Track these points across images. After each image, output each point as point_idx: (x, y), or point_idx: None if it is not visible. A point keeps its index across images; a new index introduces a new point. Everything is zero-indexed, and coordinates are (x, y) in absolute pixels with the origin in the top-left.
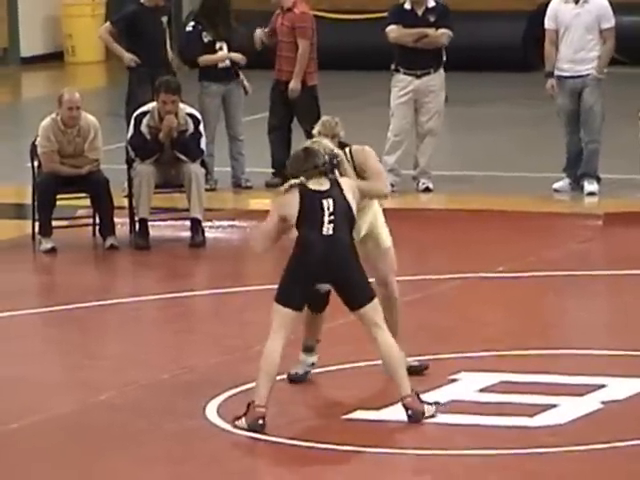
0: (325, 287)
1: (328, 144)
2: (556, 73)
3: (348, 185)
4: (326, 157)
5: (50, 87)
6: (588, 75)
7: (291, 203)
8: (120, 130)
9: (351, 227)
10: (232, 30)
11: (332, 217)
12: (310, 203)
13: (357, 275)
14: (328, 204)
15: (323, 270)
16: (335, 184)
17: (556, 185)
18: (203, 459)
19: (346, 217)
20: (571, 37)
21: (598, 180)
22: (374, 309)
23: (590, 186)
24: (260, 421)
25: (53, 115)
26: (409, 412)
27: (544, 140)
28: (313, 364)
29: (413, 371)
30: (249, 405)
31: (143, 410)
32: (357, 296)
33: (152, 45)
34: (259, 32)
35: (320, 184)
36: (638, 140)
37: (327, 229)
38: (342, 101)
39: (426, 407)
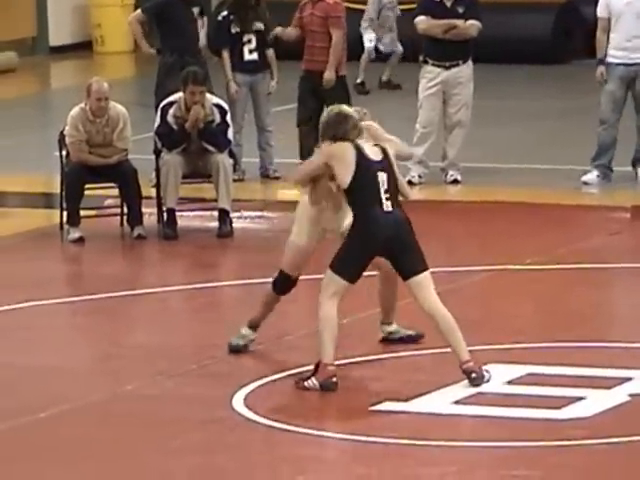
0: None
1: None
2: (607, 60)
3: (393, 153)
4: (356, 115)
5: (79, 77)
6: None
7: (345, 158)
8: (148, 120)
9: (400, 202)
10: (264, 22)
11: (388, 194)
12: (366, 174)
13: (414, 246)
14: (382, 179)
15: (384, 246)
16: (385, 154)
17: (585, 178)
18: (230, 449)
19: (397, 190)
20: (623, 25)
21: None
22: (426, 278)
23: None
24: (333, 379)
25: (82, 105)
26: (472, 375)
27: (573, 133)
28: (252, 340)
29: (410, 340)
30: (317, 365)
31: (171, 400)
32: (411, 265)
33: (182, 35)
34: (278, 30)
35: (374, 152)
36: None
37: (387, 205)
38: (370, 92)
39: (485, 372)
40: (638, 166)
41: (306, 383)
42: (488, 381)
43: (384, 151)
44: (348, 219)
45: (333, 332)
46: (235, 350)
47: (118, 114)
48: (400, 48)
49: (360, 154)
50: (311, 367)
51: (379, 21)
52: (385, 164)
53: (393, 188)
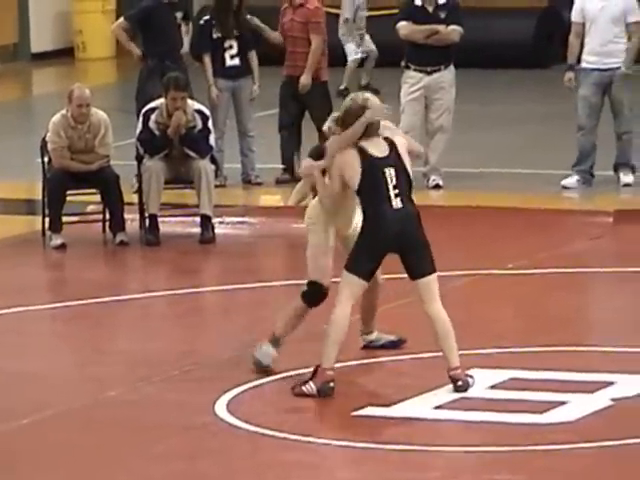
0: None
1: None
2: (582, 65)
3: (404, 146)
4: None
5: (60, 83)
6: (616, 69)
7: (351, 164)
8: (130, 126)
9: (411, 189)
10: (245, 28)
11: (397, 190)
12: (372, 173)
13: (423, 246)
14: (390, 174)
15: (395, 242)
16: (393, 147)
17: (565, 182)
18: (213, 455)
19: (407, 184)
20: (597, 30)
21: (633, 171)
22: (433, 281)
23: (626, 177)
24: (331, 384)
25: (63, 111)
26: (458, 383)
27: (554, 137)
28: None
29: (392, 346)
30: (316, 369)
31: (153, 406)
32: (420, 266)
33: (165, 40)
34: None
35: (379, 148)
36: None
37: (396, 202)
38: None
39: (470, 380)
40: (620, 171)
41: (304, 388)
42: (472, 387)
43: (391, 144)
44: (359, 218)
45: (339, 336)
46: (264, 370)
47: (99, 120)
48: (374, 48)
49: (364, 155)
50: (293, 373)
51: (355, 23)
52: (392, 158)
53: (403, 182)
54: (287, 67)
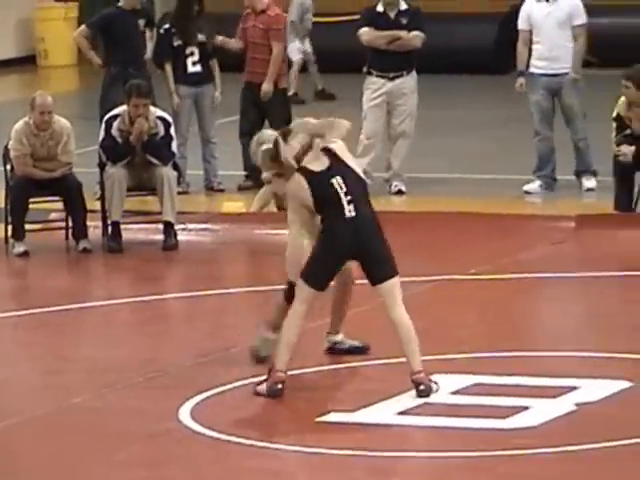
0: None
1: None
2: (531, 70)
3: (342, 148)
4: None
5: (22, 91)
6: (564, 74)
7: (301, 187)
8: (92, 133)
9: (366, 194)
10: (207, 33)
11: (349, 196)
12: (319, 187)
13: (382, 250)
14: (338, 182)
15: (350, 251)
16: (334, 157)
17: (527, 187)
18: (177, 461)
19: (359, 187)
20: (545, 35)
21: (595, 175)
22: (395, 286)
23: (588, 182)
24: (279, 385)
25: (26, 119)
26: (420, 387)
27: (517, 142)
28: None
29: (356, 351)
30: (270, 371)
31: (117, 413)
32: (380, 271)
33: (127, 47)
34: (219, 40)
35: (320, 163)
36: (610, 141)
37: (349, 210)
38: (313, 103)
39: (433, 385)
40: (582, 177)
41: (258, 388)
42: (436, 392)
43: (329, 152)
44: None
45: (291, 340)
46: (261, 360)
47: (62, 128)
48: (311, 52)
49: (307, 174)
50: (256, 379)
51: (302, 24)
52: (335, 167)
53: (354, 186)
54: (247, 73)
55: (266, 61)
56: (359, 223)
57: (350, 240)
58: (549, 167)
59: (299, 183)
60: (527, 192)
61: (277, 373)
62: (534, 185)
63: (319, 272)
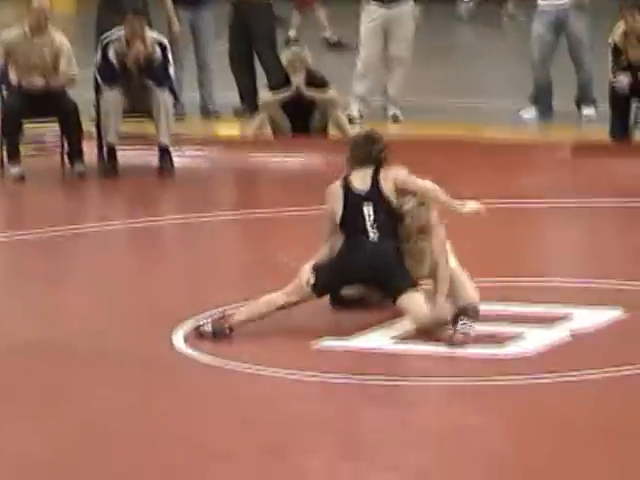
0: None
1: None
2: (539, 2)
3: (391, 180)
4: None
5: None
6: (572, 5)
7: (333, 197)
8: (89, 57)
9: (395, 226)
10: None
11: (375, 223)
12: (352, 207)
13: (396, 274)
14: (369, 211)
15: (364, 274)
16: (376, 183)
17: (524, 114)
18: (171, 387)
19: (388, 219)
20: None
21: (594, 104)
22: (407, 298)
23: (588, 110)
24: (226, 325)
25: (20, 30)
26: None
27: (516, 70)
28: None
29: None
30: (222, 314)
31: (110, 337)
32: (392, 289)
33: None
34: None
35: (363, 181)
36: (606, 70)
37: (373, 235)
38: (312, 30)
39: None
40: (581, 105)
41: (202, 329)
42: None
43: (374, 179)
44: None
45: (258, 310)
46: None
47: (62, 42)
48: None
49: (347, 188)
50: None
51: None
52: (371, 194)
53: (383, 218)
54: None
55: None
56: (380, 250)
57: (368, 262)
58: (545, 97)
59: (334, 192)
60: (523, 119)
61: (229, 317)
62: (530, 113)
63: (326, 279)
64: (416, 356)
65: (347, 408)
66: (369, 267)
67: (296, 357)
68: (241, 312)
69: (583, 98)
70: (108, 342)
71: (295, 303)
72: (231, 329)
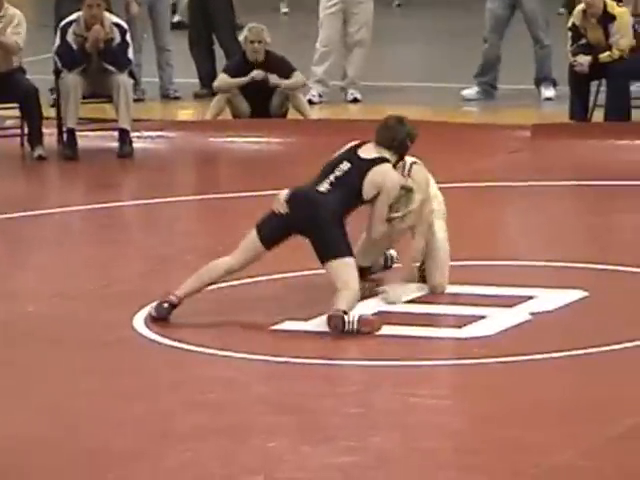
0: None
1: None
2: None
3: (379, 184)
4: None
5: None
6: None
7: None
8: (47, 40)
9: (350, 201)
10: None
11: (336, 181)
12: (338, 158)
13: (327, 234)
14: (343, 168)
15: (300, 224)
16: (376, 160)
17: (465, 92)
18: (132, 370)
19: (351, 190)
20: None
21: (554, 84)
22: (333, 268)
23: (547, 91)
24: (165, 305)
25: None
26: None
27: (476, 50)
28: None
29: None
30: (167, 294)
31: (71, 321)
32: (321, 253)
33: None
34: None
35: (370, 152)
36: (565, 51)
37: (324, 188)
38: (271, 12)
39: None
40: (541, 85)
41: (150, 308)
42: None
43: (378, 159)
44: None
45: (203, 277)
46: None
47: (15, 13)
48: None
49: (354, 145)
50: (214, 287)
51: None
52: (362, 163)
53: (347, 185)
54: None
55: None
56: (319, 199)
57: (304, 212)
58: (491, 74)
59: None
60: (465, 98)
61: (170, 296)
62: (472, 91)
63: (270, 223)
64: (376, 338)
65: (307, 391)
66: (304, 216)
67: (257, 339)
68: (185, 283)
69: (542, 78)
70: (69, 325)
71: (244, 264)
72: (171, 305)
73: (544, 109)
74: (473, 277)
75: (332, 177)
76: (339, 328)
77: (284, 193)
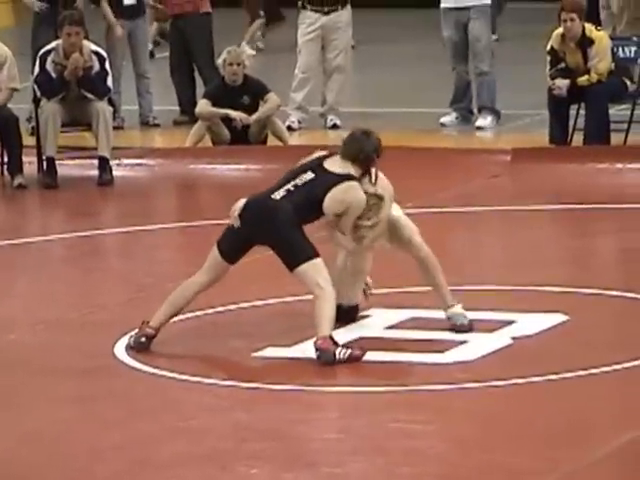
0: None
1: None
2: (442, 5)
3: (348, 192)
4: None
5: None
6: (473, 7)
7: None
8: (26, 69)
9: (304, 211)
10: None
11: (294, 189)
12: (299, 169)
13: (288, 240)
14: (304, 177)
15: (258, 233)
16: (342, 177)
17: (443, 119)
18: (113, 397)
19: (308, 202)
20: None
21: (496, 113)
22: (303, 273)
23: (482, 121)
24: (143, 339)
25: None
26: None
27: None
28: None
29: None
30: (142, 323)
31: (53, 348)
32: (287, 260)
33: None
34: None
35: (336, 166)
36: (545, 75)
37: (279, 195)
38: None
39: (338, 350)
40: (480, 113)
41: (129, 339)
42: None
43: (344, 175)
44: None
45: (176, 303)
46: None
47: (4, 53)
48: None
49: (320, 157)
50: (190, 315)
51: None
52: (326, 176)
53: (304, 195)
54: (169, 7)
55: None
56: (273, 206)
57: (258, 218)
58: (465, 100)
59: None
60: (443, 124)
61: (147, 328)
62: (450, 117)
63: (230, 239)
64: (358, 363)
65: (289, 417)
66: (261, 226)
67: (238, 366)
68: (159, 312)
69: (481, 105)
70: (51, 353)
71: (211, 282)
72: (148, 337)
73: (525, 133)
74: None
75: (290, 185)
76: (329, 364)
77: (238, 206)
